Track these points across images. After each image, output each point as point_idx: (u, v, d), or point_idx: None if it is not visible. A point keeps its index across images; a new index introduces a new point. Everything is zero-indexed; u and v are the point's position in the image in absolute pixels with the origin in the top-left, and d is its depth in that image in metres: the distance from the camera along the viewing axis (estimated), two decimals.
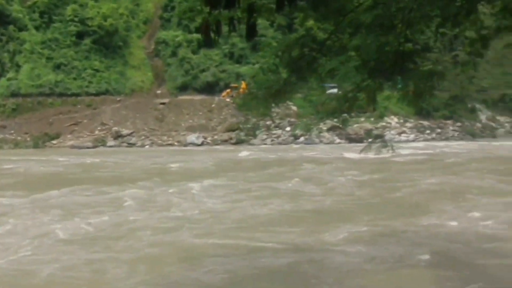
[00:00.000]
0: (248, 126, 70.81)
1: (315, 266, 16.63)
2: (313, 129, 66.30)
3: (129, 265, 16.65)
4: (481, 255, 17.69)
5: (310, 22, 10.27)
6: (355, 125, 70.56)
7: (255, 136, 69.77)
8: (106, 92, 77.06)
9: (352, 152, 49.05)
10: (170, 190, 30.51)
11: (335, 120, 8.87)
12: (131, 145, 67.89)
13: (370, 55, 7.42)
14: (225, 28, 9.99)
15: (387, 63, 8.18)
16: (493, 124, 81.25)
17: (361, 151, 8.75)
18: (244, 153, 56.08)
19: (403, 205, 26.74)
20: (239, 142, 68.95)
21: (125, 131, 70.29)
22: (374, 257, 17.44)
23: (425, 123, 77.97)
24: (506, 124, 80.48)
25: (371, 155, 9.04)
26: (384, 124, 74.78)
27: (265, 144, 67.66)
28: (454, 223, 22.26)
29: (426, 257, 17.28)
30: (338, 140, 68.08)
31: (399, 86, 9.01)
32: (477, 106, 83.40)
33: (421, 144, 67.53)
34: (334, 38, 8.65)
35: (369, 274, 16.07)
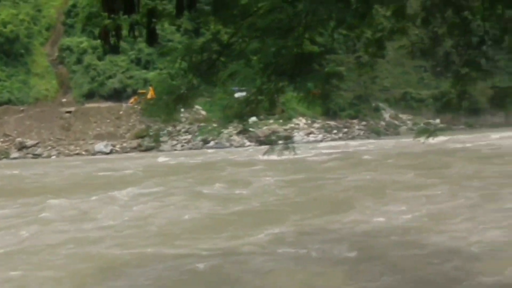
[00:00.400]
0: (156, 132, 70.08)
1: (239, 269, 16.69)
2: (215, 133, 66.64)
3: (52, 280, 16.08)
4: (401, 248, 18.27)
5: (216, 26, 10.31)
6: (264, 127, 71.43)
7: (157, 141, 69.13)
8: (9, 102, 73.94)
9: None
10: (93, 198, 29.75)
11: (240, 123, 8.92)
12: (36, 156, 65.45)
13: (269, 58, 7.55)
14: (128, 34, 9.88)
15: (287, 65, 8.33)
16: (396, 122, 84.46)
17: (264, 154, 8.88)
18: (162, 158, 55.46)
19: (327, 202, 27.32)
20: (148, 149, 68.12)
21: (29, 142, 67.71)
22: (298, 256, 17.73)
23: (332, 123, 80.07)
24: (408, 122, 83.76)
25: (289, 155, 9.17)
26: (292, 125, 76.09)
27: (176, 150, 67.18)
28: (376, 218, 22.83)
29: (349, 253, 17.69)
30: (248, 143, 68.57)
31: (308, 87, 9.18)
32: (381, 105, 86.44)
33: (334, 143, 69.23)
34: (235, 42, 8.73)
35: (292, 274, 16.28)
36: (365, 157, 48.74)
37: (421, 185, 30.45)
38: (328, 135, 76.77)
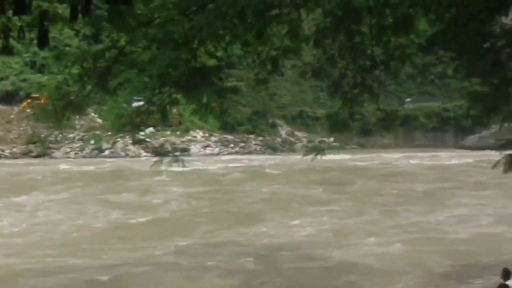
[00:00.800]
0: (45, 139, 67.61)
1: (143, 280, 16.55)
2: (109, 141, 65.16)
3: None
4: (302, 261, 18.94)
5: (111, 33, 10.13)
6: (161, 138, 70.81)
7: (45, 147, 66.79)
8: None
9: (189, 165, 49.68)
10: None
11: (131, 133, 8.77)
12: None
13: (162, 69, 7.51)
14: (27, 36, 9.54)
15: (182, 77, 8.32)
16: (292, 139, 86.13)
17: (152, 166, 8.79)
18: (64, 166, 53.84)
19: (235, 215, 27.92)
20: (40, 155, 65.59)
21: None
22: (203, 268, 18.00)
23: (230, 137, 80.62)
24: (303, 139, 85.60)
25: (179, 167, 9.13)
26: (189, 137, 75.84)
27: (69, 157, 65.14)
28: (282, 232, 23.63)
29: (253, 265, 18.26)
30: (144, 154, 67.55)
31: (202, 101, 9.18)
32: (278, 121, 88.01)
33: (239, 156, 70.24)
34: (130, 51, 8.62)
35: (195, 285, 16.52)
36: (270, 171, 50.01)
37: (325, 200, 31.85)
38: (225, 149, 77.16)
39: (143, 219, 25.76)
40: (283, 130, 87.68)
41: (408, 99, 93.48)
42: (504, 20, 9.03)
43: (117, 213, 27.03)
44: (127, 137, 63.79)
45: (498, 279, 11.83)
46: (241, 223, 25.10)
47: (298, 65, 10.83)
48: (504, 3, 8.98)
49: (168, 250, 19.97)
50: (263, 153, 77.19)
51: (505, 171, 9.37)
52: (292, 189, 36.96)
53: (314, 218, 26.03)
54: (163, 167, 8.97)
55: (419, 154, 67.85)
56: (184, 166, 8.48)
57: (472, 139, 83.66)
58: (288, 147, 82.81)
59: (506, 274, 11.82)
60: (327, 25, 9.96)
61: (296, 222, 25.41)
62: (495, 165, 9.49)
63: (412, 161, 59.66)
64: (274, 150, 79.94)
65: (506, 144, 9.48)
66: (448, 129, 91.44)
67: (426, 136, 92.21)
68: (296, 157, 62.43)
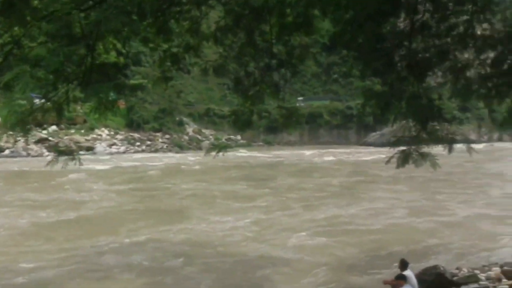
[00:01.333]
0: None
1: (64, 280, 16.02)
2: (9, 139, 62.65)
3: None
4: (225, 256, 19.03)
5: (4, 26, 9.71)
6: (65, 137, 68.79)
7: None
8: None
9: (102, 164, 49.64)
10: None
11: (23, 132, 8.40)
12: None
13: (55, 65, 7.28)
14: None
15: (79, 73, 8.12)
16: (199, 137, 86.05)
17: (47, 164, 8.49)
18: None
19: (161, 212, 27.49)
20: None
21: None
22: (125, 266, 17.59)
23: (136, 135, 79.42)
24: (211, 136, 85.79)
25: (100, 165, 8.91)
26: (95, 136, 74.13)
27: None
28: (206, 228, 23.51)
29: (177, 262, 18.05)
30: (47, 153, 65.19)
31: (112, 97, 8.98)
32: (185, 119, 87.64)
33: (158, 154, 69.75)
34: (25, 46, 8.33)
35: (121, 283, 16.11)
36: (190, 168, 50.04)
37: (249, 196, 32.21)
38: (132, 147, 75.91)
39: (65, 218, 25.00)
40: (190, 128, 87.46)
41: (299, 98, 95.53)
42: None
43: (38, 212, 26.08)
44: (29, 136, 61.86)
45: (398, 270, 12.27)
46: (165, 220, 24.94)
47: (199, 62, 10.84)
48: (397, 6, 9.40)
49: (91, 250, 19.50)
50: (170, 151, 76.66)
51: (398, 166, 9.77)
52: (215, 186, 37.21)
53: (238, 214, 26.36)
54: (77, 165, 8.70)
55: (333, 150, 70.71)
56: (81, 164, 8.27)
57: (374, 136, 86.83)
58: (195, 144, 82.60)
59: (403, 265, 12.29)
60: (228, 22, 10.04)
61: (220, 218, 25.62)
62: (389, 160, 9.89)
63: (327, 158, 61.92)
64: (181, 148, 79.55)
65: (398, 141, 9.91)
66: (351, 127, 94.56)
67: (331, 133, 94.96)
68: (233, 154, 62.93)
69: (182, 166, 51.21)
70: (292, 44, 10.81)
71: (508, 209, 27.51)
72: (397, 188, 35.05)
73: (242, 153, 65.16)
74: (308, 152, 68.32)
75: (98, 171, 44.56)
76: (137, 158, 62.16)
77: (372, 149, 68.65)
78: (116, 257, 18.71)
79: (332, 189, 35.88)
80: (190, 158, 61.13)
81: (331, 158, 61.73)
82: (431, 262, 16.72)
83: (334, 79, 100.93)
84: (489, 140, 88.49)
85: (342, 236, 21.88)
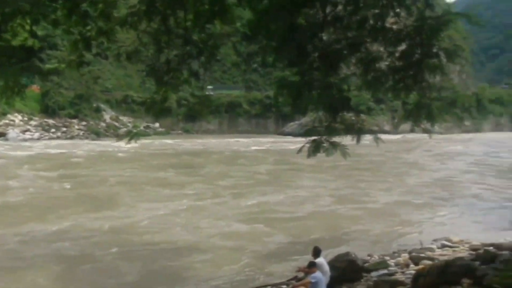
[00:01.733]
0: None
1: None
2: None
3: None
4: (149, 243, 19.08)
5: None
6: None
7: None
8: None
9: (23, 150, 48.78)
10: None
11: None
12: None
13: None
14: None
15: None
16: (117, 124, 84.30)
17: None
18: None
19: (90, 198, 27.18)
20: None
21: None
22: (49, 255, 17.28)
23: (51, 121, 77.02)
24: (129, 124, 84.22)
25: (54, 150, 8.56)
26: (7, 121, 71.34)
27: None
28: (134, 215, 23.47)
29: (99, 250, 17.96)
30: None
31: (24, 82, 8.67)
32: (102, 106, 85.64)
33: (74, 141, 68.40)
34: None
35: (40, 272, 15.85)
36: (118, 155, 49.70)
37: (178, 183, 32.54)
38: (46, 134, 73.57)
39: None
40: (108, 115, 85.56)
41: (209, 86, 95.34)
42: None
43: None
44: None
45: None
46: (93, 207, 24.68)
47: (112, 47, 10.61)
48: None
49: (15, 239, 18.94)
50: (87, 138, 74.91)
51: (309, 155, 9.97)
52: (145, 173, 37.28)
53: (167, 201, 26.49)
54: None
55: (260, 139, 72.62)
56: None
57: (292, 125, 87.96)
58: (112, 132, 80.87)
59: (316, 252, 12.57)
60: (142, 7, 9.87)
61: (149, 205, 25.63)
62: (300, 150, 10.07)
63: (254, 147, 63.22)
64: (98, 135, 77.83)
65: (310, 130, 10.10)
66: (270, 116, 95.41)
67: (250, 122, 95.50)
68: (142, 142, 61.88)
69: (107, 153, 50.48)
70: (210, 32, 10.77)
71: (424, 196, 29.30)
72: (321, 177, 36.24)
73: (170, 140, 65.37)
74: (232, 140, 69.06)
75: (23, 157, 43.22)
76: (61, 145, 60.82)
77: (291, 138, 69.75)
78: (41, 246, 18.37)
79: (259, 177, 36.82)
80: (114, 145, 60.30)
81: (256, 147, 62.95)
82: (348, 249, 17.34)
83: (254, 69, 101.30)
84: (402, 131, 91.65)
85: (268, 223, 22.46)
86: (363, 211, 25.20)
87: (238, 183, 33.29)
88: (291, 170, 39.88)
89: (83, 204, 25.57)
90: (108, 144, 59.57)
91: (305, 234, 20.66)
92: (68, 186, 30.50)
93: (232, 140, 70.38)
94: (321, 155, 9.97)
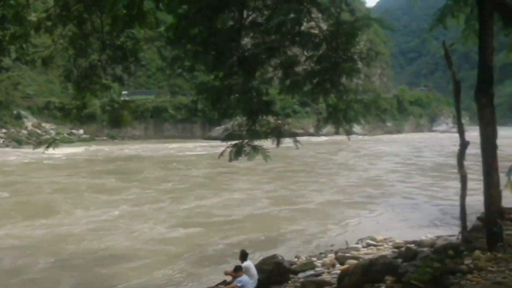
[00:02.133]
0: None
1: None
2: None
3: None
4: (83, 252, 18.59)
5: None
6: None
7: None
8: None
9: None
10: None
11: None
12: None
13: None
14: None
15: None
16: (39, 131, 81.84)
17: None
18: None
19: (25, 206, 26.43)
20: None
21: None
22: None
23: None
24: (52, 131, 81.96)
25: None
26: None
27: None
28: (71, 222, 22.82)
29: (35, 258, 17.50)
30: None
31: None
32: (23, 112, 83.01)
33: (2, 149, 66.54)
34: None
35: None
36: (50, 162, 47.87)
37: (117, 189, 32.07)
38: None
39: None
40: (29, 122, 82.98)
41: (124, 92, 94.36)
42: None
43: None
44: None
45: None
46: (29, 215, 23.95)
47: (27, 53, 10.36)
48: (226, 3, 9.58)
49: None
50: (7, 146, 72.49)
51: (230, 159, 10.00)
52: (81, 179, 36.66)
53: (104, 207, 26.02)
54: None
55: (189, 145, 72.31)
56: None
57: (218, 130, 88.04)
58: (35, 139, 78.29)
59: (243, 256, 12.65)
60: (58, 11, 9.67)
61: (86, 212, 25.14)
62: (221, 154, 10.08)
63: (188, 152, 63.46)
64: (19, 143, 75.32)
65: (230, 134, 10.16)
66: (196, 121, 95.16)
67: (176, 127, 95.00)
68: (73, 150, 60.44)
69: (39, 161, 48.92)
70: (134, 37, 10.69)
71: (354, 196, 30.55)
72: (256, 179, 36.83)
73: (103, 147, 64.66)
74: (168, 145, 69.27)
75: None
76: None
77: (219, 142, 70.22)
78: None
79: (195, 180, 37.01)
80: (48, 152, 58.86)
81: (188, 152, 63.33)
82: (280, 250, 17.58)
83: (179, 74, 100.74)
84: (328, 133, 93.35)
85: (205, 227, 22.46)
86: (298, 212, 25.64)
87: (175, 187, 33.34)
88: (226, 173, 40.01)
89: (20, 212, 24.87)
90: (38, 152, 57.89)
91: (241, 237, 20.74)
92: (5, 195, 29.59)
93: (160, 145, 70.00)
94: (257, 158, 10.03)
